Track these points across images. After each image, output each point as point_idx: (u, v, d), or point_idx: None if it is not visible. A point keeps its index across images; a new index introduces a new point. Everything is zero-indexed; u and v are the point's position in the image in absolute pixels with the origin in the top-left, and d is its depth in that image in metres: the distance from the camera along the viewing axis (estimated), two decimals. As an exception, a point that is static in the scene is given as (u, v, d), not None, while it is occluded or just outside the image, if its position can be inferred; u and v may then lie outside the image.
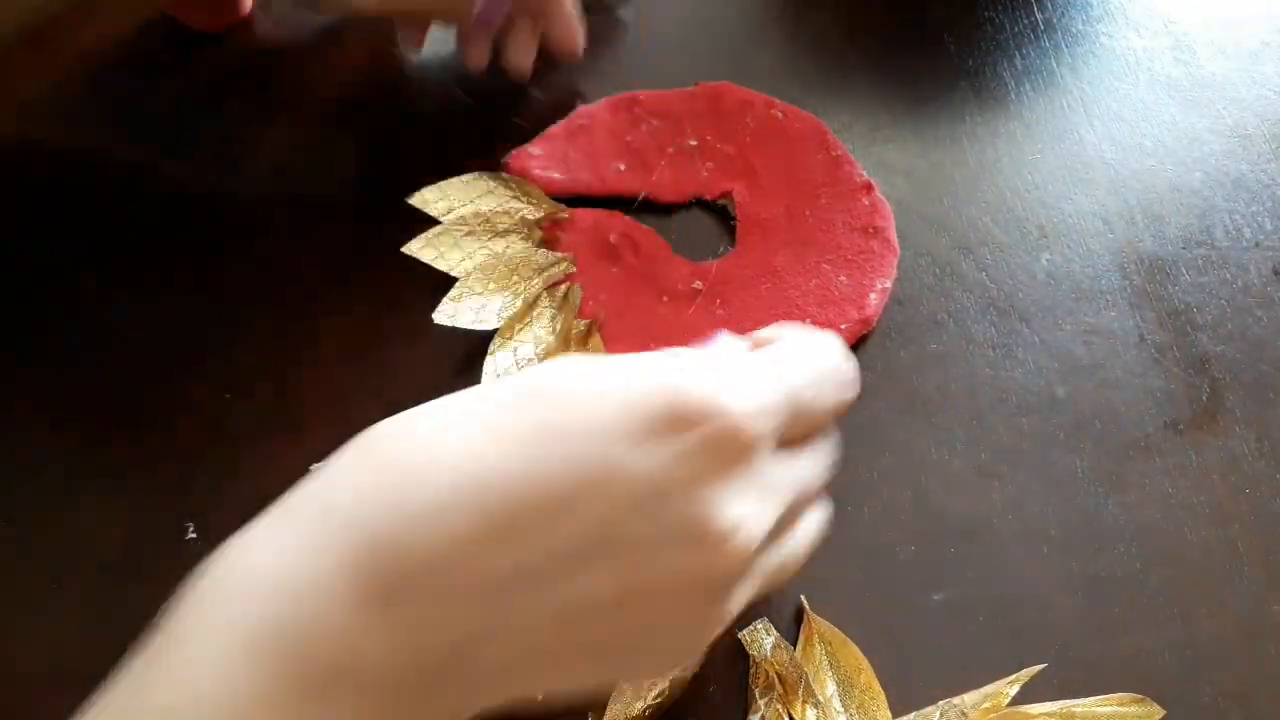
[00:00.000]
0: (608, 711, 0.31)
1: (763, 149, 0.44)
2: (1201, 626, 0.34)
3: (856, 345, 0.40)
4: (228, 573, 0.22)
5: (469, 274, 0.40)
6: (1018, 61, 0.48)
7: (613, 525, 0.22)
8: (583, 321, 0.40)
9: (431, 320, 0.38)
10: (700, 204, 0.44)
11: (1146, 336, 0.40)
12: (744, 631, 0.33)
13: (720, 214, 0.43)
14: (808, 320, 0.40)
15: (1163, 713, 0.32)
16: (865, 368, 0.39)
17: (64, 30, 0.48)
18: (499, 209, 0.42)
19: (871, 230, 0.42)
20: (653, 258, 0.42)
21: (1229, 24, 0.49)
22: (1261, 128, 0.46)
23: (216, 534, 0.36)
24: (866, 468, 0.37)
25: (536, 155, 0.44)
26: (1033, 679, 0.32)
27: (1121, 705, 0.32)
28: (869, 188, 0.43)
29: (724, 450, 0.22)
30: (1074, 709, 0.32)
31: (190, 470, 0.37)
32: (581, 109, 0.46)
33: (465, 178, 0.43)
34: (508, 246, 0.41)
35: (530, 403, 0.23)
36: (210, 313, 0.41)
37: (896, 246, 0.42)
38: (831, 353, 0.28)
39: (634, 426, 0.22)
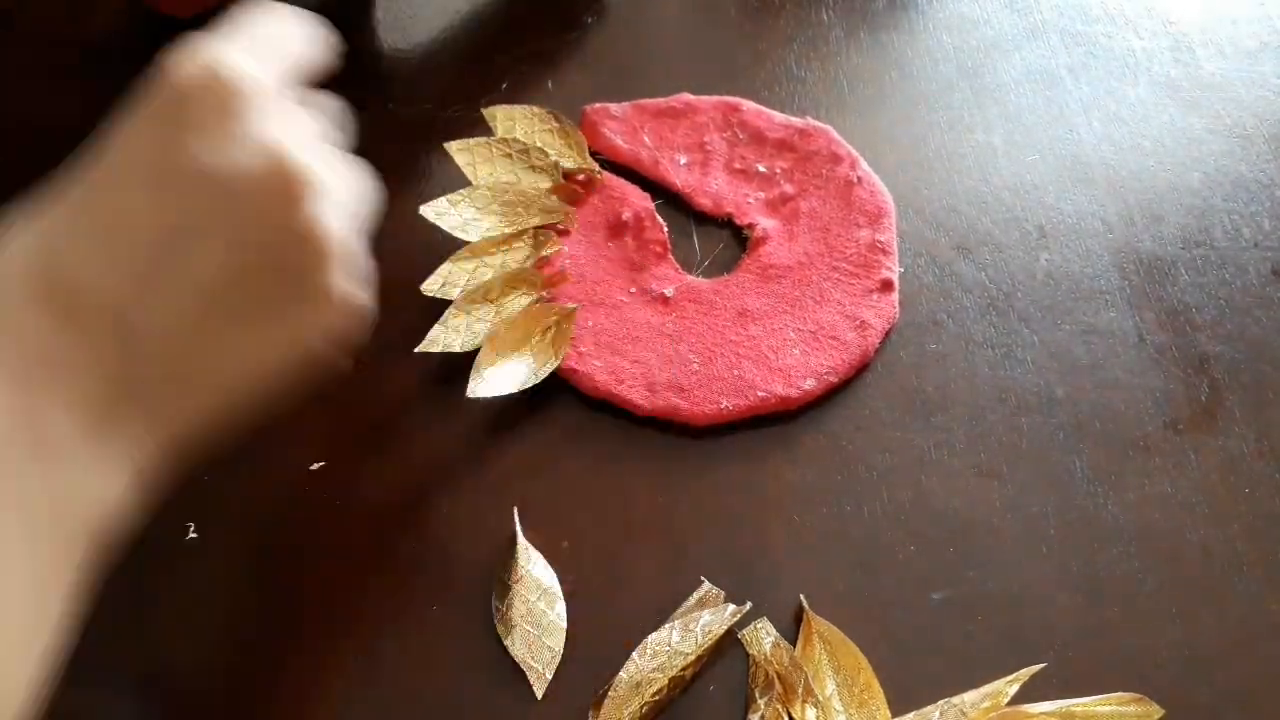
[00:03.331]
0: (604, 709, 0.32)
1: (820, 203, 0.43)
2: (1200, 626, 0.34)
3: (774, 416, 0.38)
4: None
5: (477, 188, 0.42)
6: (1017, 61, 0.48)
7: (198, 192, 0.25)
8: (553, 314, 0.40)
9: (421, 291, 0.39)
10: (729, 223, 0.43)
11: (1146, 336, 0.40)
12: (744, 631, 0.33)
13: (740, 238, 0.43)
14: (736, 372, 0.38)
15: (1161, 712, 0.32)
16: (864, 368, 0.39)
17: (31, 18, 0.48)
18: (542, 146, 0.43)
19: (859, 324, 0.40)
20: (646, 250, 0.42)
21: (1228, 25, 0.49)
22: (1260, 128, 0.46)
23: (216, 534, 0.36)
24: (866, 468, 0.37)
25: (615, 117, 0.45)
26: (1032, 678, 0.33)
27: (1121, 704, 0.32)
28: (888, 286, 0.41)
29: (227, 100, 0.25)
30: (1073, 708, 0.32)
31: (190, 470, 0.37)
32: (684, 95, 0.46)
33: (537, 109, 0.44)
34: (534, 182, 0.43)
35: None
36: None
37: (872, 353, 0.39)
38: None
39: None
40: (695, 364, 0.39)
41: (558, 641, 0.33)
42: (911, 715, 0.32)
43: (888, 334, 0.40)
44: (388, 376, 0.39)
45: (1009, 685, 0.32)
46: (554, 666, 0.33)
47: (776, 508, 0.36)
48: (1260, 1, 0.50)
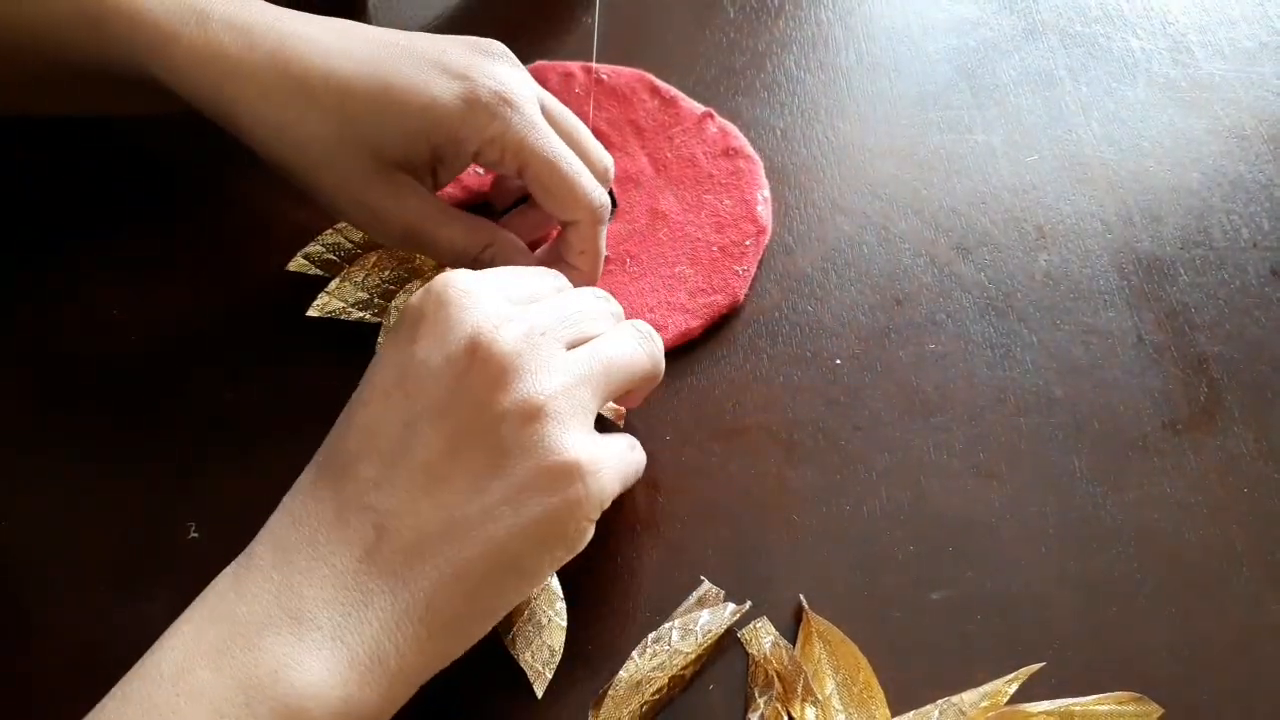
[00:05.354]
0: (604, 709, 0.32)
1: (602, 111, 0.46)
2: (1199, 626, 0.34)
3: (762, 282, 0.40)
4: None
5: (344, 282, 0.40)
6: (1016, 62, 0.48)
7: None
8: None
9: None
10: None
11: (1145, 337, 0.40)
12: (743, 630, 0.33)
13: None
14: (714, 247, 0.42)
15: (1160, 711, 0.32)
16: (864, 368, 0.40)
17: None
18: (393, 275, 0.41)
19: (731, 151, 0.44)
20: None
21: (1226, 25, 0.49)
22: (1259, 128, 0.46)
23: (216, 534, 0.36)
24: (866, 468, 0.37)
25: None
26: (1031, 678, 0.33)
27: (1120, 704, 0.32)
28: (710, 115, 0.45)
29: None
30: (1072, 708, 0.32)
31: (190, 470, 0.38)
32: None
33: (347, 272, 0.41)
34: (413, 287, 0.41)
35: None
36: (210, 311, 0.41)
37: (758, 158, 0.44)
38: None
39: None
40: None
41: (558, 641, 0.33)
42: (911, 715, 0.32)
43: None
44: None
45: (1008, 685, 0.32)
46: (554, 666, 0.33)
47: (776, 508, 0.36)
48: (1260, 2, 0.50)
